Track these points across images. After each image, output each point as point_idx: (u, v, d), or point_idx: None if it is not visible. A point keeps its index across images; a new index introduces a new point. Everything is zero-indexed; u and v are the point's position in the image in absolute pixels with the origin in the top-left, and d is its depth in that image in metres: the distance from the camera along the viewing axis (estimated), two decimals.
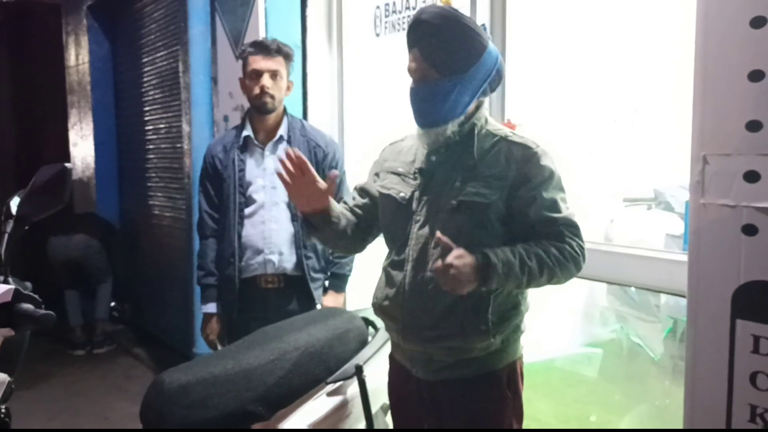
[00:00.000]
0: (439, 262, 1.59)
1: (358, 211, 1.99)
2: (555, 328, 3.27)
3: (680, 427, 1.63)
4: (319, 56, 3.53)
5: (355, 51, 3.48)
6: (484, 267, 1.60)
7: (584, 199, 2.97)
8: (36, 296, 1.97)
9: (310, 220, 1.89)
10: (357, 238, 2.00)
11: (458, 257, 1.58)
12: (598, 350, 3.27)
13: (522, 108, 2.64)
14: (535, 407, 3.01)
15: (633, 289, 2.90)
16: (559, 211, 1.71)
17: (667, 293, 2.37)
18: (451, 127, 1.76)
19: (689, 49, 1.53)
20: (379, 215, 1.94)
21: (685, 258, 1.60)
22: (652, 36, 2.76)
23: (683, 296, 1.61)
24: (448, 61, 1.71)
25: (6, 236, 2.04)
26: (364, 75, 3.43)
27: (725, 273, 1.48)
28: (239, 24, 3.81)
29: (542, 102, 2.91)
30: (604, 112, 3.01)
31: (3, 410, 1.98)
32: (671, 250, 2.36)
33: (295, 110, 3.38)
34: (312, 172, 1.81)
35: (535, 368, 3.15)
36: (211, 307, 2.81)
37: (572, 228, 1.71)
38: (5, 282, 1.95)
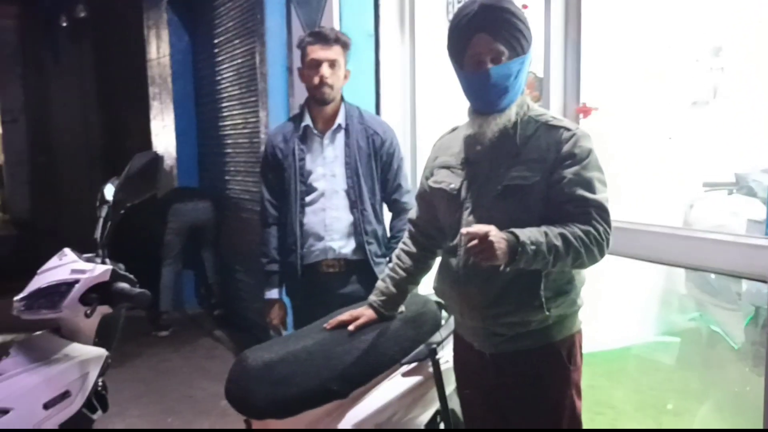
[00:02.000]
0: (475, 228, 1.62)
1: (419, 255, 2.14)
2: (632, 315, 3.22)
3: (760, 415, 1.61)
4: (391, 45, 3.56)
5: (428, 38, 3.49)
6: (514, 245, 1.63)
7: (663, 184, 2.92)
8: (131, 276, 2.10)
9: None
10: (429, 265, 2.18)
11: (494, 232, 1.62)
12: (675, 339, 3.20)
13: (598, 91, 2.60)
14: (610, 394, 2.98)
15: (713, 275, 2.83)
16: (593, 192, 1.72)
17: (749, 279, 2.31)
18: (516, 110, 1.79)
19: None
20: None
21: (767, 243, 1.56)
22: (734, 17, 2.68)
23: (765, 282, 1.57)
24: (516, 40, 1.76)
25: (101, 221, 2.18)
26: (437, 62, 3.44)
27: None
28: (314, 15, 3.88)
29: (619, 85, 2.86)
30: (683, 95, 2.93)
31: (101, 384, 2.12)
32: (753, 235, 2.29)
33: (368, 99, 3.42)
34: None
35: (611, 355, 3.13)
36: (274, 293, 2.85)
37: (602, 212, 1.72)
38: (102, 263, 2.09)
